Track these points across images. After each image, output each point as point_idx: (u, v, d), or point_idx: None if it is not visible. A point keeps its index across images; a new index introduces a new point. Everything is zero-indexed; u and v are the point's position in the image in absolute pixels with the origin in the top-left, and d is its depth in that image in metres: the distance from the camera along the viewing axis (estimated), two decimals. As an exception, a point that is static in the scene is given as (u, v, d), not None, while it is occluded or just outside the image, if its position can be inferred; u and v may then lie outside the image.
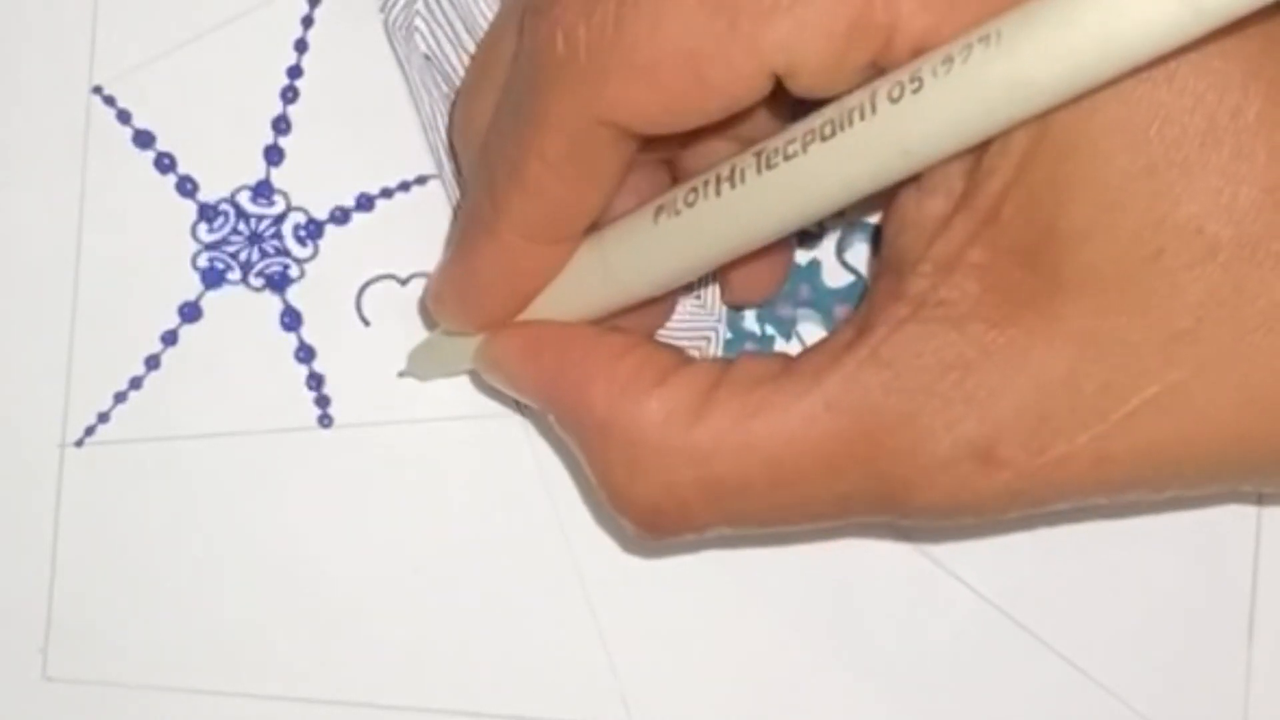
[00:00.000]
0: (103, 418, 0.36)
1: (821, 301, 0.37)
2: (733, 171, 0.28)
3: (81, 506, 0.36)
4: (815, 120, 0.27)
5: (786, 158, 0.27)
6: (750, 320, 0.37)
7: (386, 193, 0.37)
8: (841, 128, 0.26)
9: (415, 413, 0.36)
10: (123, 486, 0.36)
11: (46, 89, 0.36)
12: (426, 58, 0.36)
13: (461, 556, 0.36)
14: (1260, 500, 0.36)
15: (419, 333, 0.36)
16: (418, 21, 0.36)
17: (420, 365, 0.36)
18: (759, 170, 0.28)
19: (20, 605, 0.36)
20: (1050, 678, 0.36)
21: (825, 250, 0.37)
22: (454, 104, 0.35)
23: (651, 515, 0.30)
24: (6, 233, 0.36)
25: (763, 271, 0.35)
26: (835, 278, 0.37)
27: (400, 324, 0.36)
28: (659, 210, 0.30)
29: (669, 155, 0.33)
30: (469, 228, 0.31)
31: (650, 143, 0.29)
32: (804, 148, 0.27)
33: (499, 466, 0.36)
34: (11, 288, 0.36)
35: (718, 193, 0.28)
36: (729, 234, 0.29)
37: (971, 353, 0.26)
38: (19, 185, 0.36)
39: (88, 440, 0.36)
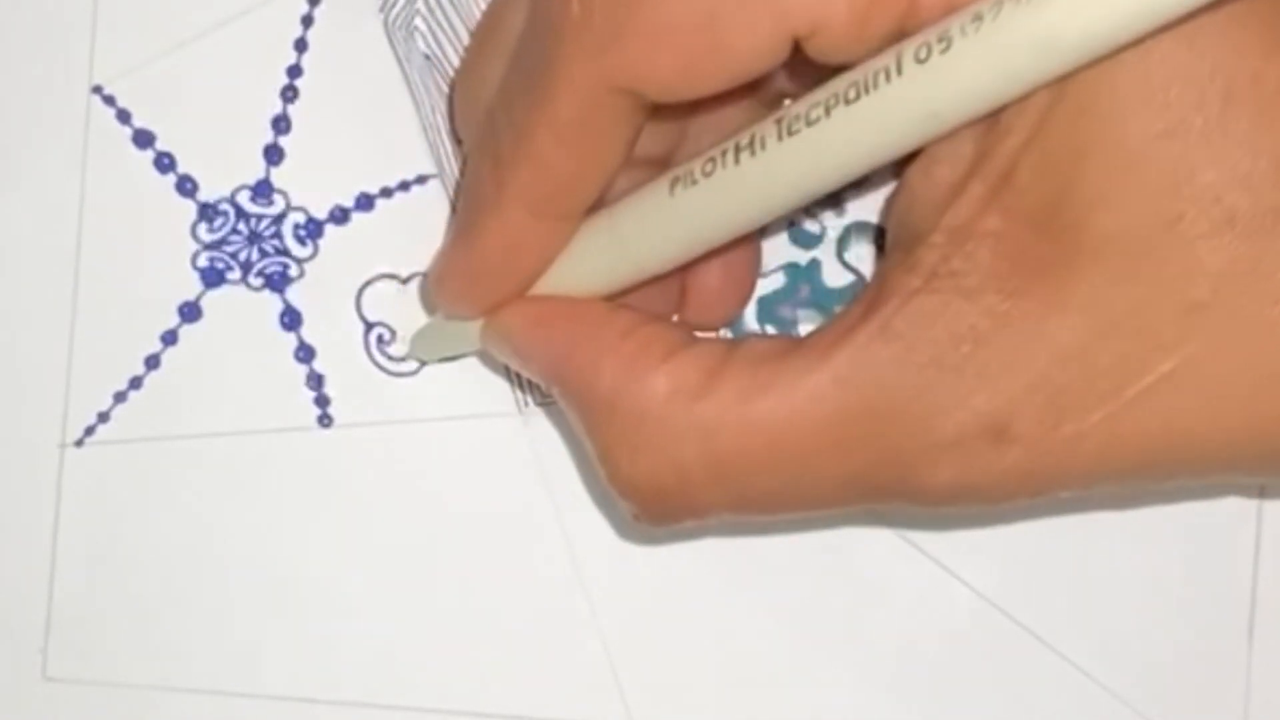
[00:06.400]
0: (103, 417, 0.36)
1: (821, 301, 0.36)
2: (753, 139, 0.27)
3: (81, 506, 0.36)
4: (839, 84, 0.26)
5: (809, 123, 0.26)
6: (751, 320, 0.37)
7: (386, 192, 0.37)
8: (866, 90, 0.25)
9: (415, 413, 0.36)
10: (123, 486, 0.36)
11: (46, 89, 0.36)
12: (426, 58, 0.36)
13: (461, 556, 0.36)
14: (1262, 492, 0.36)
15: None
16: (418, 21, 0.36)
17: (424, 347, 0.36)
18: (780, 137, 0.27)
19: (20, 605, 0.36)
20: (1050, 677, 0.36)
21: (825, 250, 0.37)
22: (454, 82, 0.35)
23: (653, 494, 0.29)
24: (6, 233, 0.36)
25: (725, 293, 0.34)
26: (835, 278, 0.37)
27: (400, 324, 0.36)
28: (675, 181, 0.29)
29: (674, 136, 0.32)
30: (471, 205, 0.30)
31: (659, 111, 0.28)
32: (827, 112, 0.26)
33: (499, 466, 0.36)
34: (11, 288, 0.36)
35: (737, 161, 0.27)
36: (748, 204, 0.28)
37: (985, 324, 0.26)
38: (19, 185, 0.36)
39: (88, 440, 0.36)
